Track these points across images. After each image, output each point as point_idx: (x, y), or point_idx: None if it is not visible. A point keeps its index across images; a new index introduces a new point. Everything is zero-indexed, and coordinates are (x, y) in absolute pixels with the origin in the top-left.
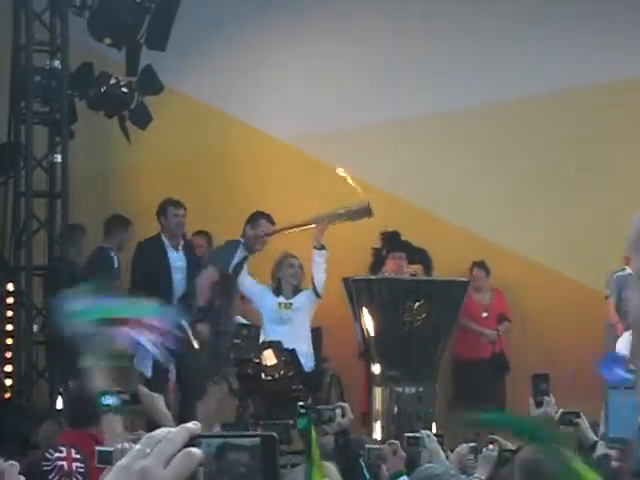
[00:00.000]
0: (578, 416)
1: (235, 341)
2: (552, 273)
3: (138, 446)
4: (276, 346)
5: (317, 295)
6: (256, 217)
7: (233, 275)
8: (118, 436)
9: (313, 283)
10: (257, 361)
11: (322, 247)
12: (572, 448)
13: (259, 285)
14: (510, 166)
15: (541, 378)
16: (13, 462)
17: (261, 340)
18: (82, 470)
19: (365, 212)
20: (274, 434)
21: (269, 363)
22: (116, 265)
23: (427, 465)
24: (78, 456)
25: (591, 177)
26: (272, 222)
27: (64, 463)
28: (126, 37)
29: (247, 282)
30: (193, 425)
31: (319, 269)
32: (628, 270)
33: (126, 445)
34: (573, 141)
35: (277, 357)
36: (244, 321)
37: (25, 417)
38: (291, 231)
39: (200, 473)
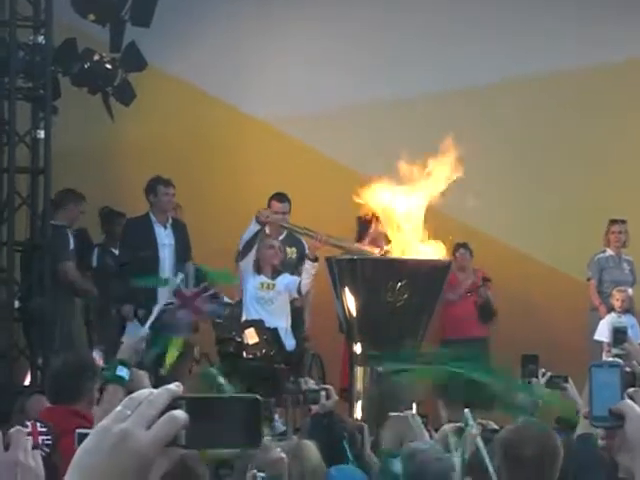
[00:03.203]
0: (566, 380)
1: (217, 320)
2: (537, 263)
3: (119, 408)
4: (258, 325)
5: (299, 294)
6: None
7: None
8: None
9: (299, 283)
10: (239, 340)
11: (315, 259)
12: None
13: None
14: (491, 149)
15: (530, 359)
16: (20, 427)
17: (243, 319)
18: (49, 442)
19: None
20: (258, 397)
21: (251, 342)
22: (72, 246)
23: (413, 443)
24: (44, 429)
25: (570, 163)
26: (285, 200)
27: (29, 438)
28: (110, 13)
29: (246, 261)
30: (175, 387)
31: (307, 276)
32: (609, 252)
33: None
34: (555, 126)
35: (259, 336)
36: (227, 300)
37: (5, 393)
38: (300, 234)
39: (182, 435)
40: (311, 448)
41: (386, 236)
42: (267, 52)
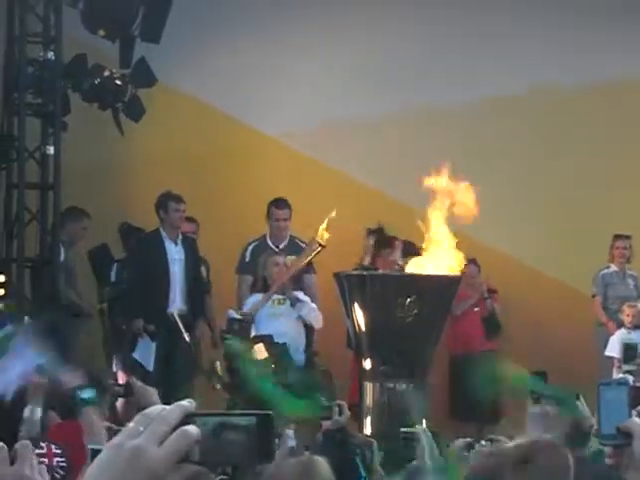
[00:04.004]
0: (577, 398)
1: (227, 336)
2: (539, 274)
3: (132, 424)
4: (267, 340)
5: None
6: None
7: None
8: (97, 429)
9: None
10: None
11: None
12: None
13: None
14: (499, 166)
15: (539, 375)
16: (27, 442)
17: (252, 334)
18: (63, 464)
19: (317, 248)
20: (270, 413)
21: (260, 357)
22: (70, 265)
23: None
24: (59, 451)
25: (577, 179)
26: (285, 207)
27: (45, 460)
28: (120, 29)
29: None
30: (187, 403)
31: (315, 311)
32: (613, 267)
33: None
34: (563, 142)
35: (268, 351)
36: (236, 316)
37: (16, 409)
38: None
39: (196, 451)
40: (322, 464)
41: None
42: (277, 67)
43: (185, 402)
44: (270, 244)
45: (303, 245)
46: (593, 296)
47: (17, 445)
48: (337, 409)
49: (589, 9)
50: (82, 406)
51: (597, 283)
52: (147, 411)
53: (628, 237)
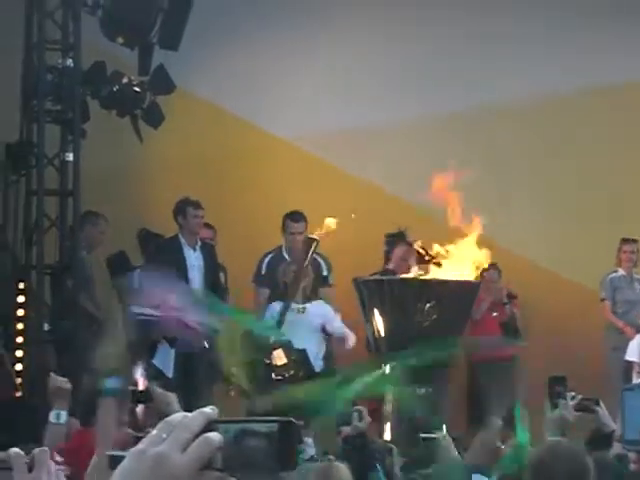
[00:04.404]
0: (597, 403)
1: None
2: (555, 276)
3: (155, 431)
4: (286, 346)
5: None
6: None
7: None
8: (109, 425)
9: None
10: (267, 361)
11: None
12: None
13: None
14: (514, 172)
15: (558, 380)
16: (44, 448)
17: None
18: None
19: (313, 244)
20: (292, 419)
21: (279, 363)
22: (88, 271)
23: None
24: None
25: (589, 177)
26: (301, 220)
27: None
28: (139, 36)
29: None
30: (210, 410)
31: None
32: (620, 271)
33: None
34: (568, 143)
35: (287, 357)
36: None
37: (36, 416)
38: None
39: (218, 458)
40: (343, 470)
41: (418, 254)
42: (293, 73)
43: (207, 409)
44: (286, 256)
45: (316, 257)
46: (602, 300)
47: (35, 451)
48: (357, 415)
49: (591, 10)
50: (104, 395)
51: (606, 287)
52: (169, 418)
53: (635, 241)
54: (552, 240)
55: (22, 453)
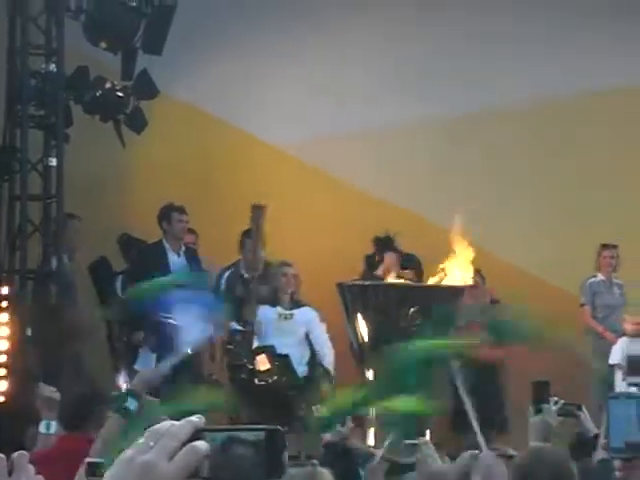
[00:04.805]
0: (579, 408)
1: (229, 346)
2: (540, 282)
3: (141, 439)
4: (269, 351)
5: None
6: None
7: None
8: (113, 439)
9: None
10: (250, 367)
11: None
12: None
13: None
14: (507, 177)
15: (541, 385)
16: (23, 452)
17: (254, 345)
18: None
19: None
20: (279, 428)
21: (262, 368)
22: (71, 278)
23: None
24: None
25: (580, 184)
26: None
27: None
28: (122, 41)
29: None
30: (197, 418)
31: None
32: (600, 276)
33: None
34: (564, 145)
35: (270, 362)
36: (238, 327)
37: (20, 421)
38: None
39: (205, 466)
40: (326, 476)
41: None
42: (277, 77)
43: (194, 418)
44: (244, 273)
45: (274, 272)
46: (581, 305)
47: (14, 455)
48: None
49: (591, 10)
50: (120, 413)
51: (585, 292)
52: (157, 427)
53: (615, 246)
54: (544, 244)
55: (2, 456)
